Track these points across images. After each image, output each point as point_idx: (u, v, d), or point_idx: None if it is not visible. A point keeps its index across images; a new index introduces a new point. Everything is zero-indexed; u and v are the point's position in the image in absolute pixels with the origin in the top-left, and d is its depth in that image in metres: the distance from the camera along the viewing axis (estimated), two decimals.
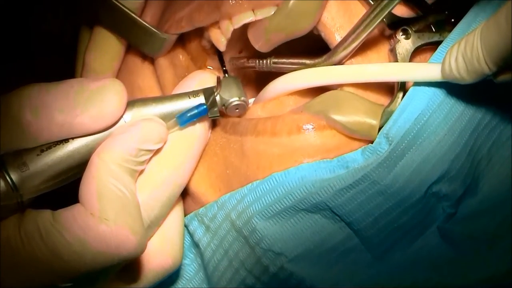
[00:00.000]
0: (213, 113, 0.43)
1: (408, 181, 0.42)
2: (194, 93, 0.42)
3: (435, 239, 0.45)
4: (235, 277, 0.46)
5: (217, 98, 0.43)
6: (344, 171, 0.42)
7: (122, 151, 0.39)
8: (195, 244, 0.48)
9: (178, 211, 0.45)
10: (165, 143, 0.42)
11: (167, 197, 0.42)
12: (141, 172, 0.42)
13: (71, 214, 0.38)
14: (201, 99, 0.42)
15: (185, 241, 0.48)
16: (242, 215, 0.44)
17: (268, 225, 0.43)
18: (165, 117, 0.42)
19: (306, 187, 0.42)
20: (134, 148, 0.39)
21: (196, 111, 0.42)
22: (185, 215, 0.48)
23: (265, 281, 0.44)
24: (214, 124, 0.46)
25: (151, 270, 0.43)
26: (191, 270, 0.49)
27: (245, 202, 0.44)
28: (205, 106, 0.42)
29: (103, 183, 0.38)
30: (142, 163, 0.41)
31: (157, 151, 0.42)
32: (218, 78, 0.44)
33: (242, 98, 0.43)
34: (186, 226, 0.47)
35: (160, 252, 0.43)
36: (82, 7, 0.50)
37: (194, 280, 0.49)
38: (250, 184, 0.44)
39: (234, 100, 0.43)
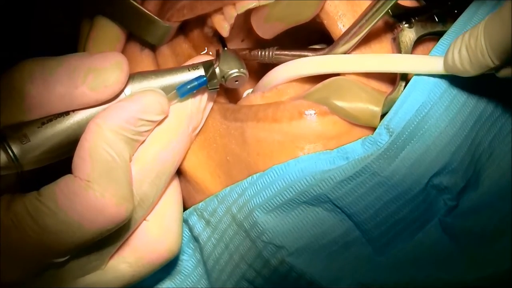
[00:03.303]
0: (212, 85, 0.43)
1: (409, 173, 0.43)
2: (194, 66, 0.43)
3: (437, 233, 0.45)
4: (235, 271, 0.46)
5: (217, 70, 0.44)
6: (344, 162, 0.42)
7: (119, 118, 0.40)
8: (194, 239, 0.48)
9: (176, 198, 0.46)
10: (167, 115, 0.43)
11: (156, 174, 0.43)
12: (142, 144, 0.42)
13: (56, 185, 0.39)
14: (200, 72, 0.43)
15: (183, 236, 0.48)
16: (243, 209, 0.44)
17: (269, 218, 0.44)
18: (165, 90, 0.43)
19: (306, 179, 0.42)
20: (132, 117, 0.40)
21: (196, 82, 0.43)
22: (185, 203, 0.48)
23: (266, 275, 0.45)
24: (213, 112, 0.47)
25: (148, 258, 0.44)
26: (189, 266, 0.49)
27: (246, 196, 0.44)
28: (205, 78, 0.43)
29: (94, 147, 0.39)
30: (142, 133, 0.42)
31: (158, 124, 0.43)
32: (218, 51, 0.45)
33: (242, 70, 0.44)
34: (185, 221, 0.48)
35: (158, 240, 0.44)
36: None
37: (193, 275, 0.49)
38: (250, 177, 0.44)
39: (234, 72, 0.44)
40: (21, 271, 0.39)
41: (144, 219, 0.44)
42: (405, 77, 0.44)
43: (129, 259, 0.43)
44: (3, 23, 0.54)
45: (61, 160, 0.41)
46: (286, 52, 0.47)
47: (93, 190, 0.38)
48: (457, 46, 0.39)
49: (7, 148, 0.39)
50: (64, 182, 0.39)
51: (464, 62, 0.39)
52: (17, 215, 0.38)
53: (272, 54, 0.47)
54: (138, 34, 0.49)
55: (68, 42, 0.55)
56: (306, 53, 0.46)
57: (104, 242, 0.41)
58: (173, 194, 0.46)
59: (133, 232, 0.44)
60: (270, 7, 0.45)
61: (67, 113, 0.41)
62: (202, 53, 0.52)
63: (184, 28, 0.51)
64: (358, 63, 0.44)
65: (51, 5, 0.59)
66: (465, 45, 0.38)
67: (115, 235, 0.41)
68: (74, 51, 0.52)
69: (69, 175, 0.39)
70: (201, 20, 0.49)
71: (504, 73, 0.38)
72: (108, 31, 0.49)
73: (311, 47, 0.48)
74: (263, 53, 0.47)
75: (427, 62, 0.42)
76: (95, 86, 0.40)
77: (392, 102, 0.43)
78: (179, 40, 0.51)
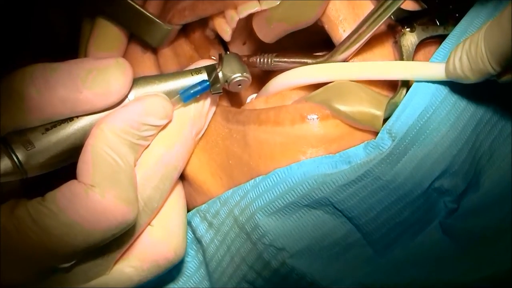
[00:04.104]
0: (215, 89, 0.44)
1: (410, 177, 0.43)
2: (197, 70, 0.44)
3: (437, 235, 0.46)
4: (236, 272, 0.47)
5: (220, 74, 0.44)
6: (346, 166, 0.42)
7: (122, 123, 0.40)
8: (197, 241, 0.49)
9: (180, 203, 0.46)
10: (171, 120, 0.43)
11: (160, 179, 0.43)
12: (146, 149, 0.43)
13: (60, 189, 0.39)
14: (203, 76, 0.43)
15: (187, 238, 0.48)
16: (245, 211, 0.45)
17: (271, 221, 0.44)
18: (168, 94, 0.43)
19: (308, 183, 0.43)
20: (135, 121, 0.40)
21: (199, 87, 0.43)
22: (187, 205, 0.48)
23: (266, 276, 0.45)
24: (215, 115, 0.47)
25: (154, 261, 0.44)
26: (192, 267, 0.50)
27: (248, 198, 0.44)
28: (207, 82, 0.43)
29: (98, 151, 0.39)
30: (146, 138, 0.42)
31: (161, 129, 0.43)
32: (220, 55, 0.45)
33: (245, 74, 0.44)
34: (187, 222, 0.48)
35: (163, 244, 0.44)
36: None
37: (195, 277, 0.49)
38: (253, 180, 0.45)
39: (237, 76, 0.44)
40: (23, 274, 0.39)
41: (149, 224, 0.44)
42: (406, 83, 0.44)
43: (134, 263, 0.43)
44: (3, 23, 0.54)
45: (67, 166, 0.41)
46: (285, 59, 0.47)
47: (96, 193, 0.38)
48: (458, 53, 0.40)
49: (12, 154, 0.39)
50: (67, 186, 0.39)
51: (465, 69, 0.39)
52: (19, 218, 0.38)
53: (271, 61, 0.47)
54: (139, 36, 0.49)
55: (68, 42, 0.55)
56: (305, 60, 0.46)
57: (109, 247, 0.41)
58: (177, 198, 0.46)
59: (138, 237, 0.44)
60: (272, 10, 0.45)
61: (71, 119, 0.41)
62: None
63: (185, 30, 0.51)
64: (360, 70, 0.44)
65: (51, 5, 0.59)
66: (466, 52, 0.39)
67: (120, 239, 0.41)
68: (74, 51, 0.53)
69: (73, 180, 0.39)
70: (203, 22, 0.49)
71: (505, 78, 0.39)
72: (109, 32, 0.49)
73: (311, 53, 0.48)
74: (261, 59, 0.47)
75: (428, 69, 0.42)
76: (98, 92, 0.40)
77: (394, 106, 0.43)
78: (181, 41, 0.51)
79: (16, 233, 0.38)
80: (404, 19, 0.45)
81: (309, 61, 0.46)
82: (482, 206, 0.46)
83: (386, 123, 0.43)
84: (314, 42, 0.50)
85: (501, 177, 0.46)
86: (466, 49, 0.39)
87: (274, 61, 0.47)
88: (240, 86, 0.45)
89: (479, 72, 0.39)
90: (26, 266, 0.39)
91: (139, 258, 0.43)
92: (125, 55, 0.51)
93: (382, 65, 0.44)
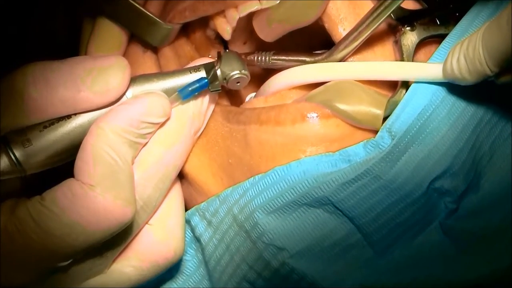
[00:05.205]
0: (214, 87, 0.44)
1: (410, 176, 0.43)
2: (195, 68, 0.44)
3: (437, 235, 0.46)
4: (236, 272, 0.47)
5: (218, 72, 0.44)
6: (346, 165, 0.42)
7: (121, 121, 0.40)
8: (196, 239, 0.49)
9: (178, 202, 0.46)
10: (169, 118, 0.43)
11: (159, 178, 0.43)
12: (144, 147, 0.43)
13: (59, 189, 0.39)
14: (202, 74, 0.43)
15: (186, 236, 0.48)
16: (244, 209, 0.45)
17: (270, 219, 0.44)
18: (167, 92, 0.43)
19: (308, 181, 0.43)
20: (135, 120, 0.40)
21: (197, 85, 0.43)
22: (187, 205, 0.49)
23: (266, 276, 0.45)
24: (216, 114, 0.47)
25: (153, 261, 0.44)
26: (191, 266, 0.49)
27: (247, 197, 0.44)
28: (206, 80, 0.43)
29: (97, 150, 0.39)
30: (144, 136, 0.42)
31: (160, 127, 0.43)
32: (219, 53, 0.45)
33: (243, 71, 0.44)
34: (187, 221, 0.48)
35: (162, 243, 0.44)
36: None
37: (195, 276, 0.49)
38: (252, 178, 0.45)
39: (235, 73, 0.44)
40: (24, 274, 0.39)
41: (147, 223, 0.44)
42: (406, 82, 0.44)
43: (134, 262, 0.43)
44: (3, 23, 0.54)
45: (66, 163, 0.42)
46: (283, 57, 0.47)
47: (96, 193, 0.38)
48: (455, 54, 0.39)
49: (10, 152, 0.39)
50: (67, 185, 0.39)
51: (463, 70, 0.39)
52: (20, 219, 0.38)
53: (269, 59, 0.47)
54: (140, 35, 0.49)
55: (68, 42, 0.55)
56: (303, 58, 0.46)
57: (107, 246, 0.41)
58: (176, 197, 0.46)
59: (136, 236, 0.44)
60: (273, 9, 0.45)
61: (69, 116, 0.41)
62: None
63: (186, 30, 0.51)
64: (358, 70, 0.44)
65: (51, 5, 0.59)
66: (463, 53, 0.39)
67: (118, 238, 0.41)
68: (74, 51, 0.53)
69: (72, 178, 0.39)
70: (204, 22, 0.49)
71: (503, 79, 0.38)
72: (110, 32, 0.49)
73: (310, 52, 0.48)
74: (259, 57, 0.47)
75: (426, 70, 0.42)
76: (97, 90, 0.40)
77: (394, 105, 0.43)
78: (181, 42, 0.51)
79: (18, 234, 0.38)
80: (405, 18, 0.45)
81: (307, 59, 0.46)
82: (482, 207, 0.45)
83: (386, 122, 0.43)
84: (314, 43, 0.50)
85: (502, 178, 0.46)
86: (463, 50, 0.39)
87: (272, 59, 0.47)
88: (239, 84, 0.45)
89: (477, 73, 0.38)
90: (27, 266, 0.39)
91: (139, 258, 0.44)
92: (125, 55, 0.51)
93: (379, 65, 0.44)
